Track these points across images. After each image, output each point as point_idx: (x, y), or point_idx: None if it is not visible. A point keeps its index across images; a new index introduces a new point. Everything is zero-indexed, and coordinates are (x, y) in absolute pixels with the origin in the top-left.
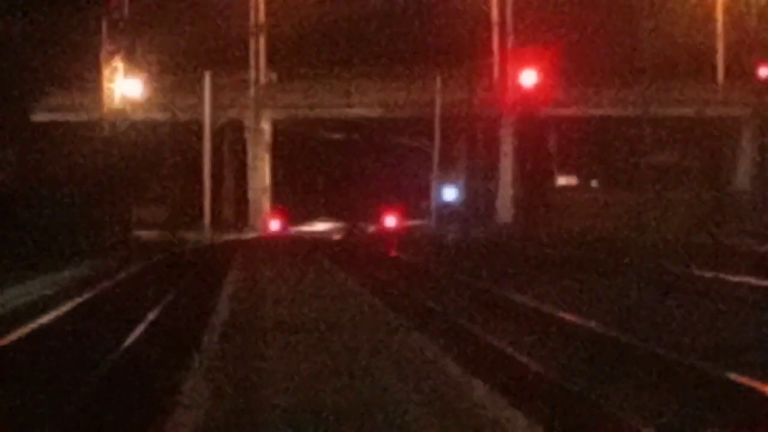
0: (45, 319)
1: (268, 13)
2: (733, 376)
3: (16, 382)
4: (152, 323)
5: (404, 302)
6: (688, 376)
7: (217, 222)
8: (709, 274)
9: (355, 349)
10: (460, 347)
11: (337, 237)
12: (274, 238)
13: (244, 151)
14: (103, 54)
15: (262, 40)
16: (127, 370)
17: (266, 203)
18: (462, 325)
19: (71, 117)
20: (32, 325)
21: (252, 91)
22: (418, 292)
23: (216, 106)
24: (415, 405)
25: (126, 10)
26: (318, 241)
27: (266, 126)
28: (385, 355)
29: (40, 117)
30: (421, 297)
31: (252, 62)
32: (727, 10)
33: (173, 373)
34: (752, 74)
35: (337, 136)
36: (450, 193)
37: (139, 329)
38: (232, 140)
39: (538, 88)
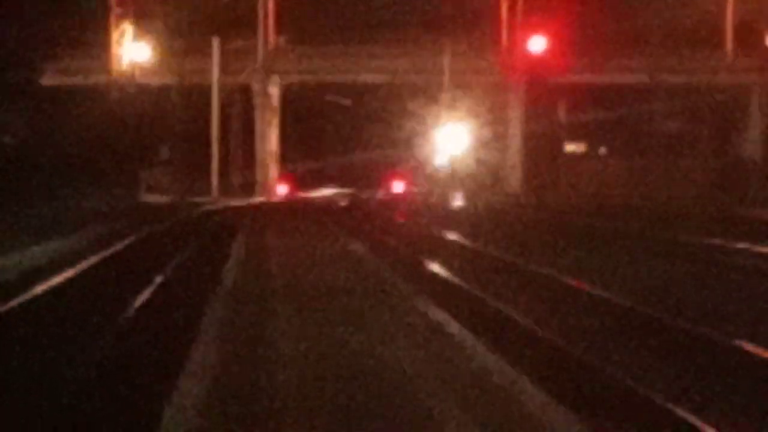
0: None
1: None
2: None
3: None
4: (162, 285)
5: (420, 275)
6: None
7: (225, 187)
8: (740, 246)
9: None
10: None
11: (344, 203)
12: (282, 204)
13: (253, 116)
14: (111, 17)
15: (270, 5)
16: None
17: (274, 168)
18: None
19: (80, 81)
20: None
21: (260, 56)
22: (427, 260)
23: (225, 71)
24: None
25: None
26: (325, 207)
27: (274, 91)
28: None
29: (49, 81)
30: (432, 266)
31: (260, 27)
32: None
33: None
34: (762, 42)
35: (345, 101)
36: (444, 158)
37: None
38: (240, 105)
39: (547, 54)
